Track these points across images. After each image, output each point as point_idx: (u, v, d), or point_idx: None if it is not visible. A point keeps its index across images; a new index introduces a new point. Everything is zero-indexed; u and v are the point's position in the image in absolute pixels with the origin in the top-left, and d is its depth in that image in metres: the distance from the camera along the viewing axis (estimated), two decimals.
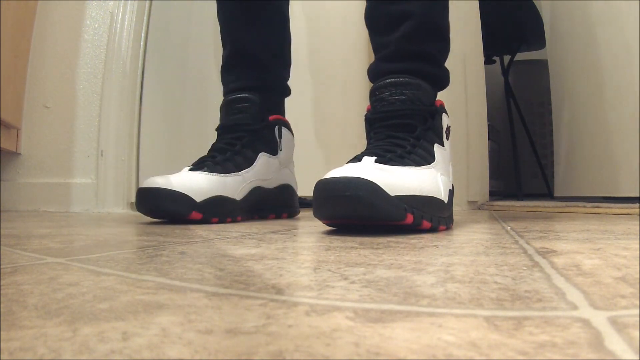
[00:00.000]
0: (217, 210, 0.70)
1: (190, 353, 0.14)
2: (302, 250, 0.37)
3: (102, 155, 1.14)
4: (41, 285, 0.23)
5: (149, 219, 0.75)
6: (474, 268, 0.27)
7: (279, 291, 0.22)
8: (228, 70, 0.82)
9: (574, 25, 1.35)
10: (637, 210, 0.88)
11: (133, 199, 1.16)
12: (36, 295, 0.21)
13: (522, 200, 1.52)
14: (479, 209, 1.22)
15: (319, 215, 0.50)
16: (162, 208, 0.66)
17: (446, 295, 0.21)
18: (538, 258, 0.31)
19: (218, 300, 0.20)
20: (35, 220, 0.77)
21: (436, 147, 0.59)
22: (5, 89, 1.05)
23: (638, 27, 1.11)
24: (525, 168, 2.09)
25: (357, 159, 0.53)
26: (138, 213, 0.75)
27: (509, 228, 0.57)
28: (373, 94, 0.62)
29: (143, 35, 1.22)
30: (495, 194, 1.67)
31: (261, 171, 0.79)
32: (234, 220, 0.73)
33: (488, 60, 1.76)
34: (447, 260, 0.30)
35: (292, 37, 0.89)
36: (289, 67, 0.88)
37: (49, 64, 1.18)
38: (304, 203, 1.25)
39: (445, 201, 0.55)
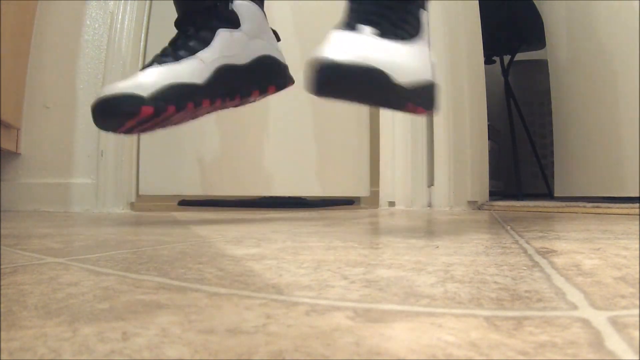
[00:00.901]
0: (172, 98, 0.63)
1: (190, 353, 0.14)
2: (302, 250, 0.37)
3: (102, 155, 1.14)
4: (41, 285, 0.23)
5: (149, 220, 0.75)
6: (474, 268, 0.27)
7: (279, 291, 0.22)
8: None
9: (574, 25, 1.35)
10: (637, 210, 0.88)
11: (133, 199, 1.16)
12: (36, 295, 0.21)
13: (522, 200, 1.52)
14: (479, 209, 1.22)
15: (320, 93, 0.46)
16: (112, 115, 0.60)
17: (446, 295, 0.21)
18: (538, 258, 0.31)
19: (218, 300, 0.20)
20: (35, 220, 0.77)
21: (422, 13, 0.55)
22: (5, 89, 1.05)
23: (638, 26, 1.11)
24: (525, 168, 2.09)
25: (350, 26, 0.49)
26: (138, 213, 0.75)
27: (509, 228, 0.57)
28: None
29: (143, 35, 1.22)
30: (495, 194, 1.67)
31: (222, 48, 0.70)
32: (197, 105, 0.66)
33: (488, 60, 1.76)
34: (447, 260, 0.30)
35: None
36: None
37: (49, 64, 1.18)
38: (304, 203, 1.25)
39: (435, 81, 0.52)
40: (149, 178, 1.19)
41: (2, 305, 0.19)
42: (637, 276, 0.24)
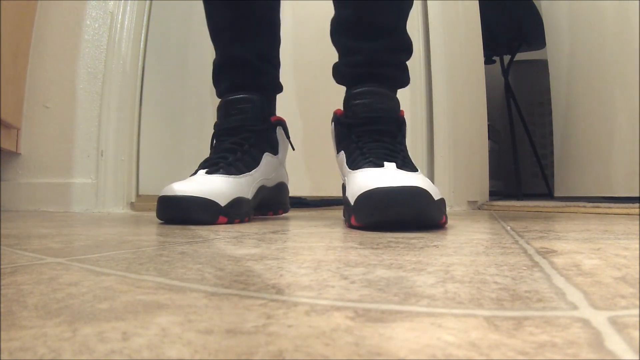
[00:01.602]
0: (237, 212, 0.70)
1: (190, 353, 0.14)
2: (302, 250, 0.37)
3: (102, 155, 1.14)
4: (41, 285, 0.23)
5: (149, 220, 0.75)
6: (474, 268, 0.27)
7: (279, 291, 0.22)
8: (221, 73, 0.82)
9: (574, 25, 1.35)
10: (637, 210, 0.88)
11: (133, 199, 1.16)
12: (36, 295, 0.21)
13: (522, 200, 1.52)
14: (479, 209, 1.22)
15: (372, 220, 0.53)
16: (190, 216, 0.65)
17: (446, 295, 0.21)
18: (538, 258, 0.31)
19: (218, 300, 0.20)
20: (35, 220, 0.77)
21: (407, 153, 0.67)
22: (5, 89, 1.05)
23: (638, 26, 1.11)
24: (525, 168, 2.09)
25: (375, 164, 0.59)
26: (138, 213, 0.75)
27: (509, 228, 0.57)
28: (353, 97, 0.68)
29: (143, 35, 1.22)
30: (495, 194, 1.67)
31: (266, 171, 0.80)
32: (249, 220, 0.75)
33: (488, 60, 1.76)
34: (447, 260, 0.30)
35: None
36: (279, 68, 0.88)
37: (49, 64, 1.18)
38: (304, 203, 1.25)
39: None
40: (149, 178, 1.20)
41: (2, 305, 0.19)
42: (637, 276, 0.24)
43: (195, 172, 0.72)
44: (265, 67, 0.83)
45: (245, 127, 0.78)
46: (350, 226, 0.57)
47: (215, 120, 0.81)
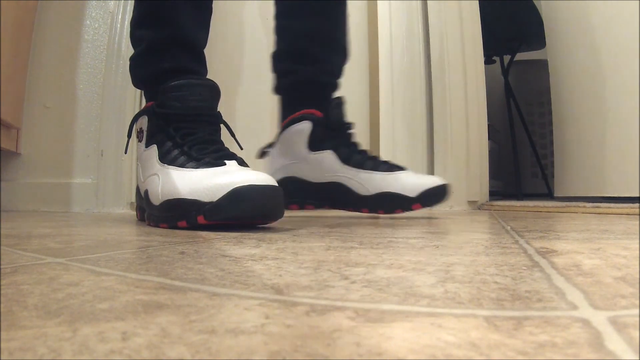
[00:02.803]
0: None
1: (190, 353, 0.14)
2: (302, 250, 0.37)
3: (102, 155, 1.14)
4: (41, 285, 0.23)
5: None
6: (474, 268, 0.27)
7: (279, 291, 0.22)
8: (165, 51, 0.72)
9: (574, 25, 1.35)
10: (637, 210, 0.88)
11: (133, 199, 1.16)
12: (36, 295, 0.21)
13: (522, 200, 1.52)
14: (479, 209, 1.22)
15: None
16: (278, 209, 0.58)
17: (446, 295, 0.21)
18: (538, 258, 0.31)
19: (218, 300, 0.20)
20: (35, 220, 0.77)
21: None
22: (5, 89, 1.05)
23: (638, 27, 1.11)
24: (525, 168, 2.09)
25: (394, 170, 0.84)
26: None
27: (509, 228, 0.57)
28: (334, 107, 0.86)
29: None
30: (495, 194, 1.67)
31: None
32: None
33: (488, 60, 1.76)
34: (447, 260, 0.30)
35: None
36: None
37: (49, 64, 1.18)
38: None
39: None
40: None
41: (2, 305, 0.19)
42: (637, 276, 0.24)
43: (215, 164, 0.60)
44: (203, 48, 0.78)
45: (218, 114, 0.70)
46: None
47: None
